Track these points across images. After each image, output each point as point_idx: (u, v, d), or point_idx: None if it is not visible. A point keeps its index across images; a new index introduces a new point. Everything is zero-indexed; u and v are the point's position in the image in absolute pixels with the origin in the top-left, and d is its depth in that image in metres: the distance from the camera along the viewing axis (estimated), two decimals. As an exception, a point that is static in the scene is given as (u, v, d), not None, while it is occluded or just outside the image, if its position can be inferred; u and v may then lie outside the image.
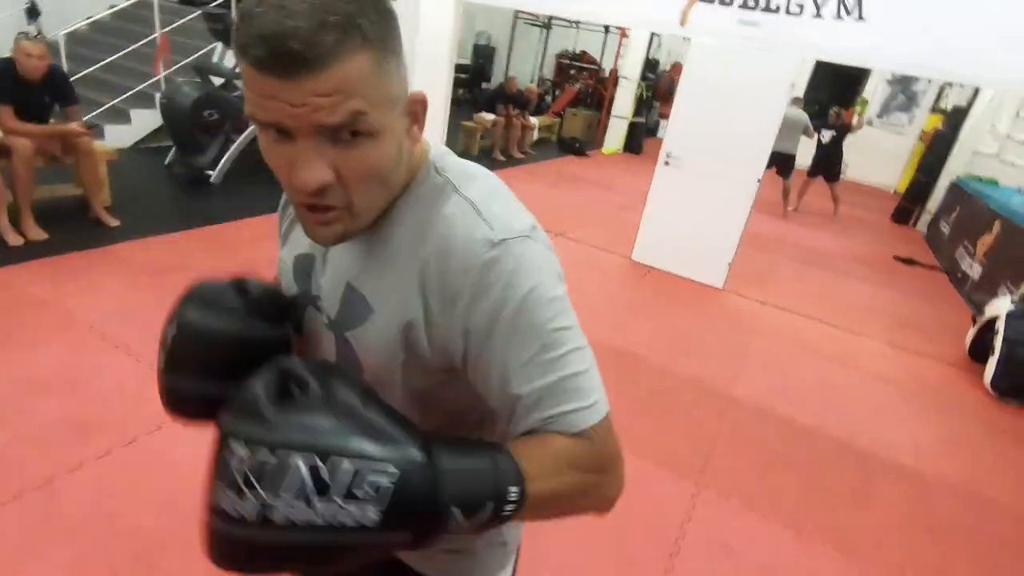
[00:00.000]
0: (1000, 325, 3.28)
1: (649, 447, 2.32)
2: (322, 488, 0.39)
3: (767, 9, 3.45)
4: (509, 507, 0.46)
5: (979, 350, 3.51)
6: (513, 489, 0.46)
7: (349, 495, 0.39)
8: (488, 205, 0.54)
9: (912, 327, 4.10)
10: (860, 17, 3.21)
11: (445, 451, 0.45)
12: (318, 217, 0.51)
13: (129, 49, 4.98)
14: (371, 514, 0.40)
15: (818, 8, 3.31)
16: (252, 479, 0.39)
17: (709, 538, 1.93)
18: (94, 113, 4.51)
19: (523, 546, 1.59)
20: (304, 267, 0.65)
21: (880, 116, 9.96)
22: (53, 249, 3.03)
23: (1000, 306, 3.40)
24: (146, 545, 1.55)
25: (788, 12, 3.39)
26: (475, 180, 0.58)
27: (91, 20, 5.59)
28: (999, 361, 3.18)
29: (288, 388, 0.44)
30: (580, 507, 0.54)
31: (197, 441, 1.93)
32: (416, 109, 0.53)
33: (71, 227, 3.31)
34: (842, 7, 3.24)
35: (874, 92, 9.95)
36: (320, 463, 0.39)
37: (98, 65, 4.82)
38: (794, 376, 3.15)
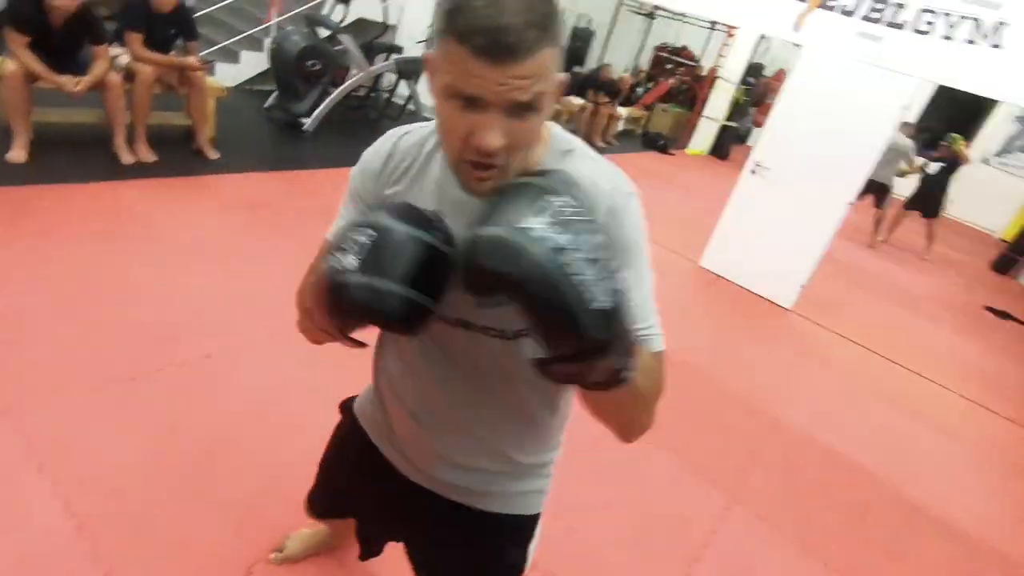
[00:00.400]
0: (1096, 398, 3.00)
1: (687, 453, 2.30)
2: (591, 261, 0.50)
3: (892, 24, 3.24)
4: (630, 372, 0.56)
5: (1066, 421, 3.23)
6: (633, 363, 0.56)
7: (603, 276, 0.50)
8: (609, 167, 0.71)
9: (993, 384, 3.82)
10: (996, 44, 2.96)
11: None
12: (481, 174, 0.60)
13: (248, -7, 5.24)
14: (603, 301, 0.49)
15: (950, 28, 3.07)
16: (560, 221, 0.50)
17: (732, 553, 1.90)
18: (209, 50, 4.79)
19: (548, 527, 1.62)
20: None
21: (998, 155, 9.17)
22: (159, 171, 3.28)
23: (1100, 378, 3.11)
24: (204, 450, 1.69)
25: (916, 30, 3.17)
26: (589, 150, 0.73)
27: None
28: (1087, 436, 2.93)
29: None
30: (633, 417, 0.67)
31: (264, 361, 2.07)
32: (560, 90, 0.63)
33: (177, 154, 3.57)
34: (978, 31, 3.00)
35: (996, 128, 9.16)
36: (596, 248, 0.50)
37: (218, 5, 5.09)
38: (851, 411, 3.02)
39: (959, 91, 3.23)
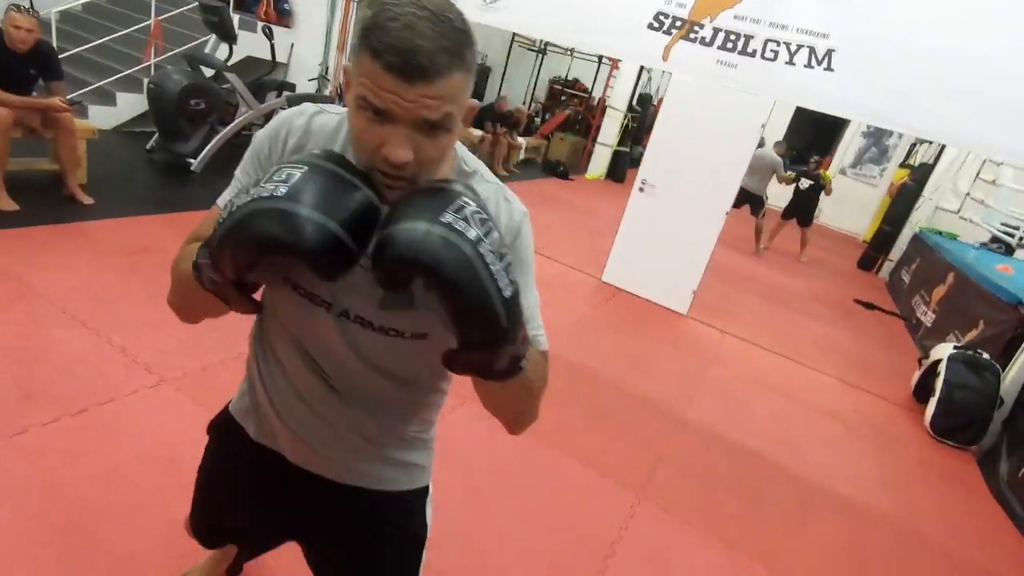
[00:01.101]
0: (942, 368, 3.43)
1: (596, 458, 2.38)
2: (500, 256, 0.57)
3: (744, 52, 3.62)
4: (524, 362, 0.63)
5: (923, 391, 3.66)
6: (529, 354, 0.64)
7: (506, 271, 0.57)
8: (505, 191, 0.78)
9: (865, 367, 4.25)
10: (829, 67, 3.40)
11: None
12: (389, 182, 0.63)
13: (122, 32, 5.00)
14: (507, 291, 0.56)
15: (791, 56, 3.49)
16: (478, 220, 0.57)
17: (645, 547, 1.98)
18: (80, 92, 4.50)
19: (456, 545, 1.62)
20: None
21: (853, 166, 10.37)
22: (23, 221, 3.01)
23: (943, 350, 3.57)
24: (85, 514, 1.55)
25: (763, 57, 3.57)
26: (489, 175, 0.79)
27: (87, 1, 5.60)
28: (938, 402, 3.33)
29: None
30: (522, 409, 0.73)
31: (144, 417, 1.94)
32: (468, 113, 0.68)
33: (44, 201, 3.30)
34: (813, 57, 3.43)
35: (849, 143, 10.37)
36: (499, 243, 0.58)
37: (89, 45, 4.82)
38: (746, 405, 3.25)
39: (814, 112, 3.67)
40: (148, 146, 4.57)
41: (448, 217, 0.54)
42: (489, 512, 1.96)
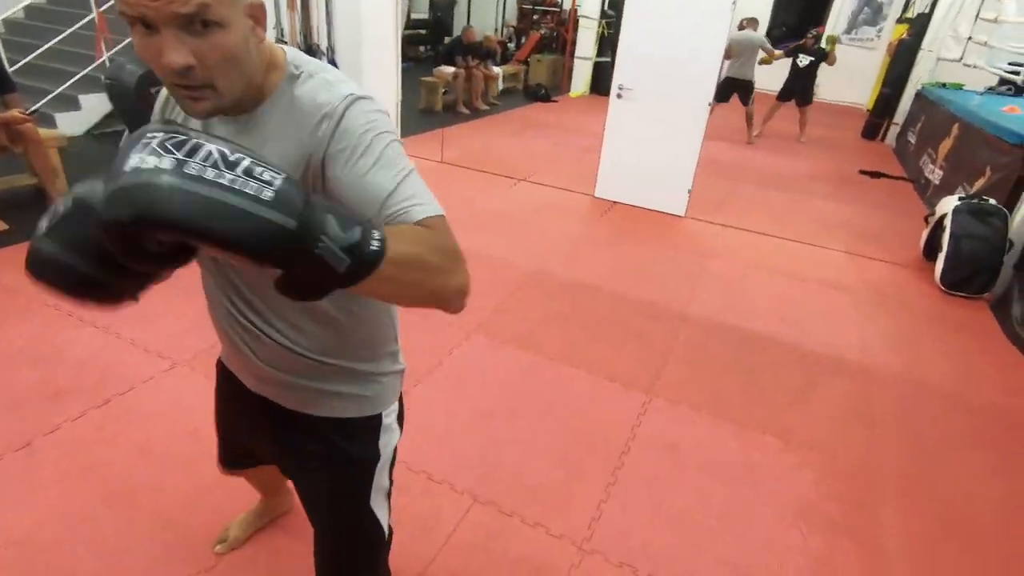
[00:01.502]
0: (947, 222, 3.38)
1: (602, 366, 2.44)
2: (229, 164, 0.46)
3: (702, -74, 3.40)
4: (375, 243, 0.53)
5: (931, 250, 3.62)
6: (376, 233, 0.54)
7: (248, 174, 0.47)
8: (338, 80, 0.72)
9: (872, 236, 4.20)
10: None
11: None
12: (189, 93, 0.63)
13: (67, 33, 4.87)
14: (266, 192, 0.47)
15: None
16: (169, 146, 0.46)
17: (657, 439, 2.06)
18: (43, 102, 4.45)
19: (478, 460, 1.72)
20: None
21: (848, 32, 9.83)
22: (13, 239, 3.07)
23: (948, 204, 3.49)
24: (124, 487, 1.67)
25: (722, -73, 3.35)
26: (325, 68, 0.74)
27: (25, 5, 5.44)
28: (946, 256, 3.30)
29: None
30: (433, 287, 0.63)
31: (164, 398, 2.04)
32: (256, 12, 0.66)
33: (30, 216, 3.32)
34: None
35: (840, 7, 9.78)
36: (227, 152, 0.47)
37: (39, 52, 4.72)
38: (748, 291, 3.26)
39: None
40: (120, 144, 4.54)
41: (132, 162, 0.46)
42: (503, 431, 2.05)
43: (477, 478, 1.83)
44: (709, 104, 3.89)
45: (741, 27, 6.40)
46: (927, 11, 7.15)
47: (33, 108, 3.55)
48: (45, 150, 3.35)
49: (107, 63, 4.77)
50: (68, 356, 2.21)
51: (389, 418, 0.97)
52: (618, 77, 4.08)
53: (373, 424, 0.95)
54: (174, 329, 2.40)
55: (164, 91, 0.80)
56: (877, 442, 2.16)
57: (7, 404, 1.95)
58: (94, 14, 4.76)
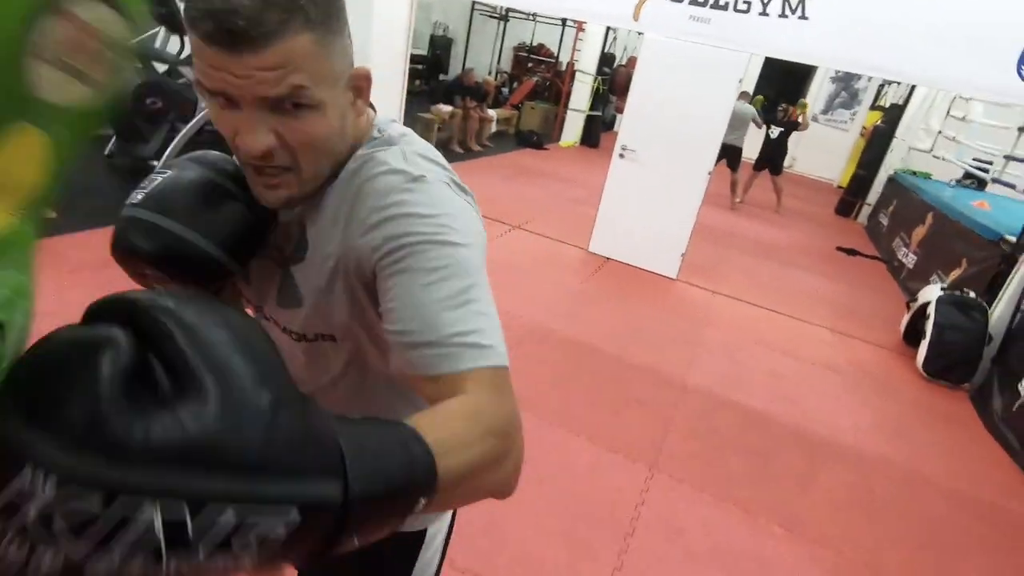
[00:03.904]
0: (931, 311, 3.48)
1: (604, 435, 2.37)
2: (182, 542, 0.24)
3: (716, 6, 3.53)
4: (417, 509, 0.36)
5: (913, 335, 3.72)
6: (422, 500, 0.36)
7: (222, 547, 0.25)
8: (415, 153, 0.59)
9: (853, 315, 4.31)
10: (803, 16, 3.33)
11: (358, 462, 0.31)
12: (266, 180, 0.55)
13: (62, 32, 4.70)
14: (245, 563, 0.27)
15: (764, 6, 3.41)
16: (61, 527, 0.23)
17: (662, 520, 1.99)
18: (24, 99, 4.25)
19: (481, 532, 1.60)
20: None
21: (824, 113, 10.38)
22: (-20, 244, 2.85)
23: (931, 293, 3.61)
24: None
25: (736, 9, 3.49)
26: (410, 139, 0.62)
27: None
28: (930, 344, 3.39)
29: (148, 352, 0.27)
30: (487, 484, 0.46)
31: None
32: (360, 84, 0.57)
33: (0, 220, 3.12)
34: (786, 6, 3.35)
35: (819, 90, 10.36)
36: (188, 514, 0.25)
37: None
38: (744, 364, 3.27)
39: (783, 61, 3.62)
40: (106, 151, 4.35)
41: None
42: (506, 501, 1.94)
43: (479, 553, 1.71)
44: (709, 172, 3.98)
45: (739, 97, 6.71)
46: (901, 103, 7.62)
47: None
48: (27, 153, 3.16)
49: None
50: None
51: (436, 536, 0.81)
52: (622, 138, 4.15)
53: (413, 539, 0.79)
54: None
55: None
56: (881, 537, 2.13)
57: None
58: (93, 17, 4.61)
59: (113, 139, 4.32)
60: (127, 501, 0.24)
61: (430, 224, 0.52)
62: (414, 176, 0.55)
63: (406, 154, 0.58)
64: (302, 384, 0.67)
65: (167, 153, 4.19)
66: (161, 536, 0.24)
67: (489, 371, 0.48)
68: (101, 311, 0.30)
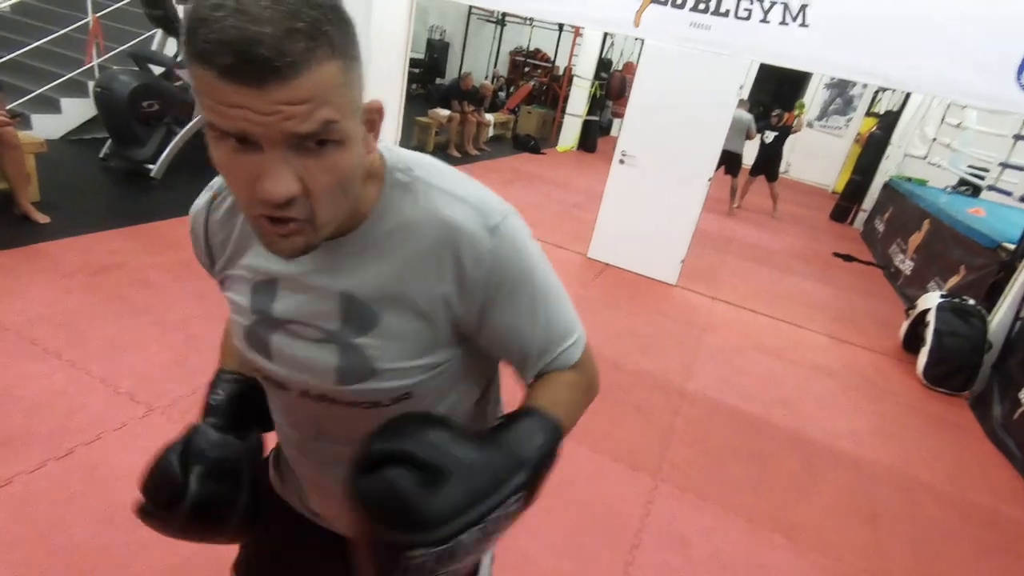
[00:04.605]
0: (931, 317, 3.48)
1: (606, 442, 2.35)
2: (489, 532, 0.51)
3: (717, 13, 3.54)
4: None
5: (912, 341, 3.72)
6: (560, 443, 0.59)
7: (505, 519, 0.52)
8: (465, 191, 0.60)
9: (850, 320, 4.31)
10: (803, 24, 3.34)
11: (536, 454, 0.56)
12: (279, 229, 0.49)
13: (58, 34, 4.66)
14: (514, 513, 0.53)
15: (765, 14, 3.42)
16: (432, 569, 0.49)
17: (667, 531, 1.97)
18: (20, 101, 4.20)
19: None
20: (266, 289, 0.62)
21: (819, 119, 10.43)
22: (-27, 247, 2.81)
23: (930, 299, 3.62)
24: (82, 561, 1.46)
25: (737, 16, 3.49)
26: (440, 172, 0.61)
27: (16, 1, 5.21)
28: (930, 351, 3.39)
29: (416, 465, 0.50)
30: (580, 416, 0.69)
31: (137, 451, 1.83)
32: (373, 117, 0.53)
33: (-6, 223, 3.08)
34: (787, 14, 3.36)
35: (813, 96, 10.41)
36: (481, 526, 0.49)
37: (24, 50, 4.49)
38: (743, 370, 3.26)
39: (778, 67, 3.62)
40: (102, 154, 4.32)
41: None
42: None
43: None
44: (709, 179, 3.98)
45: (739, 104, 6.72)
46: (896, 109, 7.67)
47: (18, 112, 3.33)
48: (21, 155, 3.13)
49: (96, 70, 4.58)
50: (25, 393, 1.98)
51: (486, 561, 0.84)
52: (622, 143, 4.14)
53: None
54: (149, 370, 2.20)
55: (202, 227, 0.66)
56: (881, 544, 2.12)
57: (-48, 448, 1.71)
58: (90, 18, 4.58)
59: (108, 142, 4.28)
60: (454, 544, 0.48)
61: (521, 257, 0.62)
62: (491, 227, 0.59)
63: (455, 196, 0.60)
64: (338, 440, 0.70)
65: (163, 157, 4.15)
66: (474, 539, 0.50)
67: (584, 354, 0.70)
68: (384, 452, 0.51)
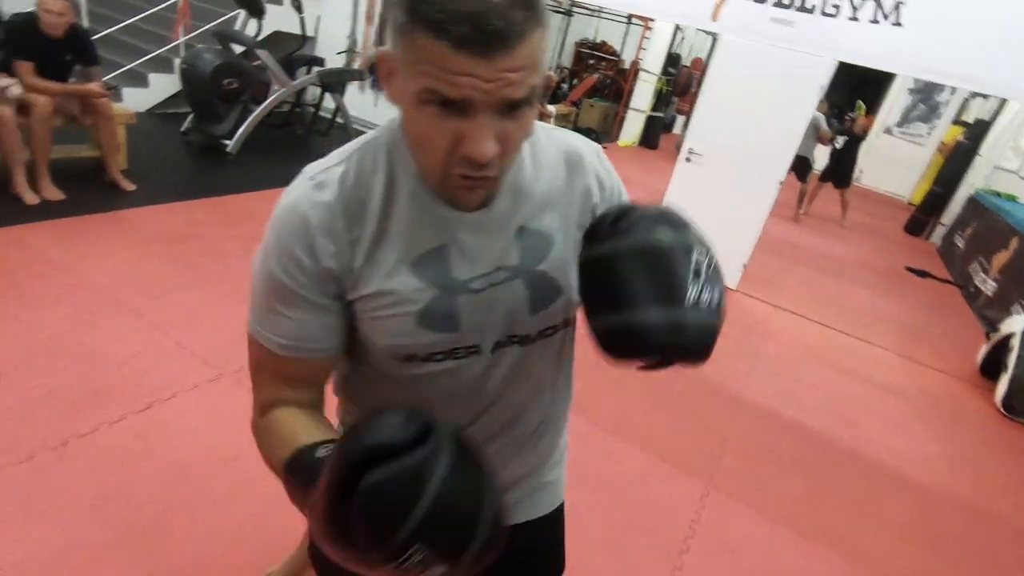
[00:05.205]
0: (1015, 343, 3.25)
1: (659, 445, 2.31)
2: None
3: (802, 8, 3.38)
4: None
5: (990, 366, 3.49)
6: None
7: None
8: (564, 131, 0.71)
9: (922, 339, 4.07)
10: (897, 22, 3.15)
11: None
12: (470, 184, 0.53)
13: (150, 12, 4.92)
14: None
15: (854, 10, 3.24)
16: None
17: (717, 539, 1.92)
18: (113, 75, 4.45)
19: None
20: (436, 260, 0.59)
21: (899, 125, 9.85)
22: (69, 210, 3.01)
23: (1016, 323, 3.37)
24: (157, 514, 1.55)
25: (823, 13, 3.33)
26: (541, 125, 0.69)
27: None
28: (1012, 379, 3.16)
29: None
30: None
31: (208, 412, 1.92)
32: (548, 83, 0.56)
33: (88, 189, 3.29)
34: (879, 11, 3.18)
35: (894, 101, 9.83)
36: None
37: (119, 26, 4.76)
38: (804, 382, 3.13)
39: (858, 67, 3.43)
40: (183, 128, 4.54)
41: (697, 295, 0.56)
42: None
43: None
44: (780, 182, 3.82)
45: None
46: (988, 118, 7.16)
47: (112, 84, 3.53)
48: (114, 126, 3.33)
49: (182, 47, 4.80)
50: (110, 349, 2.11)
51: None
52: (690, 141, 4.03)
53: (562, 519, 0.87)
54: (220, 337, 2.30)
55: (321, 215, 0.57)
56: (944, 572, 2.01)
57: (44, 394, 1.84)
58: (180, -2, 4.80)
59: (190, 116, 4.49)
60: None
61: (606, 161, 0.74)
62: (598, 151, 0.73)
63: (553, 134, 0.70)
64: (509, 407, 0.72)
65: (238, 134, 4.33)
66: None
67: None
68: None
